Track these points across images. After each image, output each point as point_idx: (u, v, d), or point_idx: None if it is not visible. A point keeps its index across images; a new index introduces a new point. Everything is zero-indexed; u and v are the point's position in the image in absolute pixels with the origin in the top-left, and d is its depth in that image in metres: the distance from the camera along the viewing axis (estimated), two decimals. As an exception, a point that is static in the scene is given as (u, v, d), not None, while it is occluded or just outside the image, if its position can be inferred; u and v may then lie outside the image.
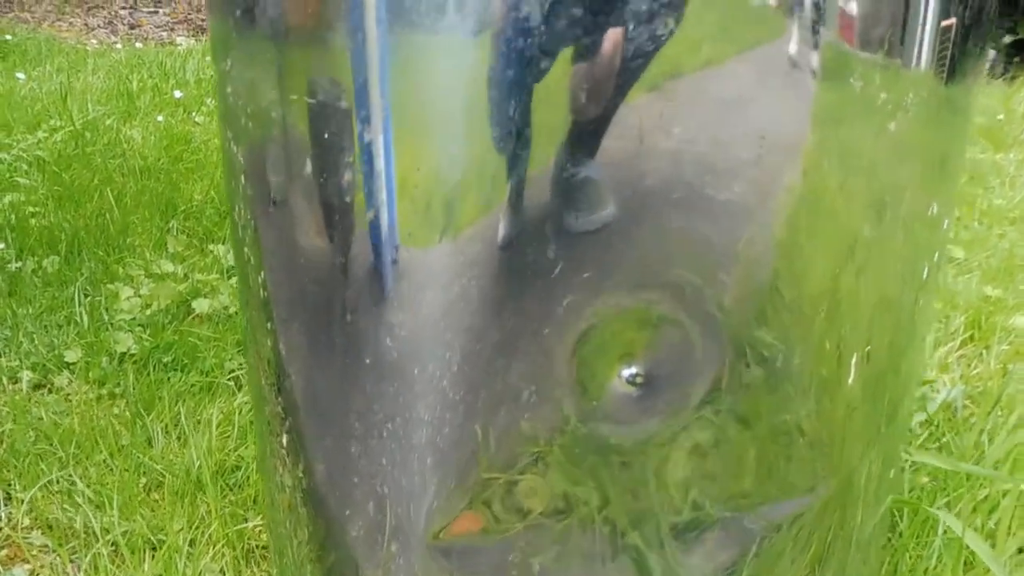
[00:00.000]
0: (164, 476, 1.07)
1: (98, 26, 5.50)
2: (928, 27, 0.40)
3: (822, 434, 0.45)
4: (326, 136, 0.37)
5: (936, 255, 0.53)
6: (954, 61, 0.43)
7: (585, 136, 0.34)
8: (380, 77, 0.34)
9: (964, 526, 0.80)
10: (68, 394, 1.26)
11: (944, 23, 0.41)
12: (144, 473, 1.08)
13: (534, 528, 0.41)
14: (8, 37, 4.38)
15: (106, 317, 1.44)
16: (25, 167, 2.24)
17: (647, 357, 0.38)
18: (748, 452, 0.42)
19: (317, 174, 0.39)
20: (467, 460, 0.42)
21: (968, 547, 0.81)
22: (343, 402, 0.45)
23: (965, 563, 0.84)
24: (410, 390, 0.42)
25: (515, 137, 0.35)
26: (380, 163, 0.36)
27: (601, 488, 0.40)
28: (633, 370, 0.38)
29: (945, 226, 0.53)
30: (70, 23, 6.10)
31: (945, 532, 0.85)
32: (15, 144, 2.36)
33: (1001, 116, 3.35)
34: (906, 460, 0.95)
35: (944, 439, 1.08)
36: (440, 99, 0.36)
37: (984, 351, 1.35)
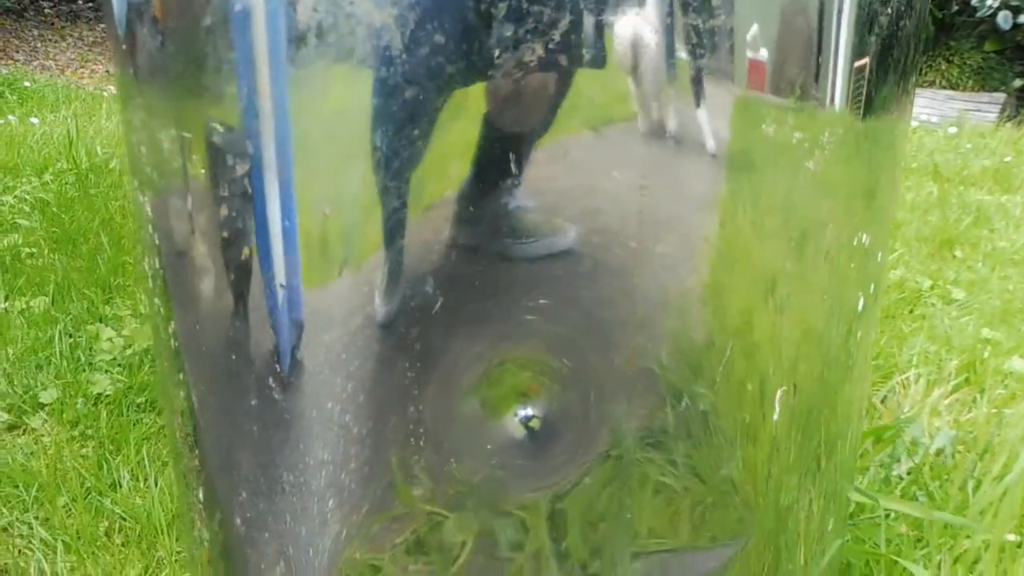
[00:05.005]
0: (125, 520, 1.05)
1: (117, 73, 5.63)
2: (840, 68, 0.40)
3: (746, 475, 0.43)
4: (221, 183, 0.36)
5: (872, 287, 0.51)
6: (871, 98, 0.43)
7: (503, 164, 0.34)
8: (276, 116, 0.34)
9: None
10: (40, 435, 1.25)
11: (858, 63, 0.41)
12: (106, 517, 1.06)
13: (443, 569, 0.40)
14: (27, 84, 4.50)
15: (84, 358, 1.43)
16: (27, 209, 2.27)
17: (546, 401, 0.37)
18: (662, 500, 0.40)
19: (214, 222, 0.39)
20: (379, 499, 0.40)
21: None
22: (252, 454, 0.43)
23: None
24: (309, 437, 0.40)
25: (415, 169, 0.34)
26: (275, 208, 0.35)
27: (508, 534, 0.39)
28: (528, 412, 0.37)
29: (879, 258, 0.51)
30: (92, 70, 6.25)
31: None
32: (19, 187, 2.40)
33: (1009, 158, 3.33)
34: (883, 509, 0.91)
35: (931, 487, 1.05)
36: (341, 134, 0.35)
37: (978, 395, 1.31)
